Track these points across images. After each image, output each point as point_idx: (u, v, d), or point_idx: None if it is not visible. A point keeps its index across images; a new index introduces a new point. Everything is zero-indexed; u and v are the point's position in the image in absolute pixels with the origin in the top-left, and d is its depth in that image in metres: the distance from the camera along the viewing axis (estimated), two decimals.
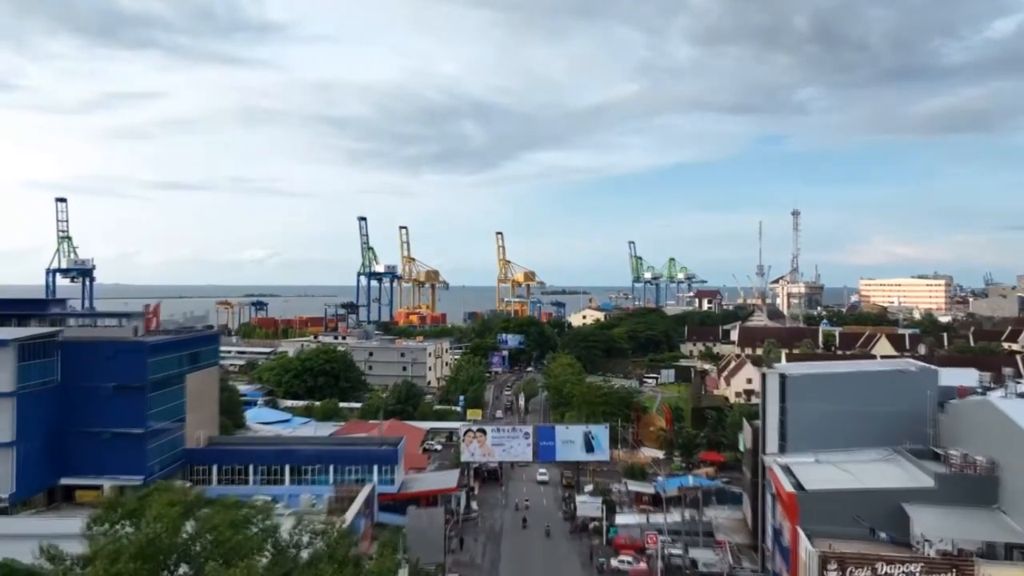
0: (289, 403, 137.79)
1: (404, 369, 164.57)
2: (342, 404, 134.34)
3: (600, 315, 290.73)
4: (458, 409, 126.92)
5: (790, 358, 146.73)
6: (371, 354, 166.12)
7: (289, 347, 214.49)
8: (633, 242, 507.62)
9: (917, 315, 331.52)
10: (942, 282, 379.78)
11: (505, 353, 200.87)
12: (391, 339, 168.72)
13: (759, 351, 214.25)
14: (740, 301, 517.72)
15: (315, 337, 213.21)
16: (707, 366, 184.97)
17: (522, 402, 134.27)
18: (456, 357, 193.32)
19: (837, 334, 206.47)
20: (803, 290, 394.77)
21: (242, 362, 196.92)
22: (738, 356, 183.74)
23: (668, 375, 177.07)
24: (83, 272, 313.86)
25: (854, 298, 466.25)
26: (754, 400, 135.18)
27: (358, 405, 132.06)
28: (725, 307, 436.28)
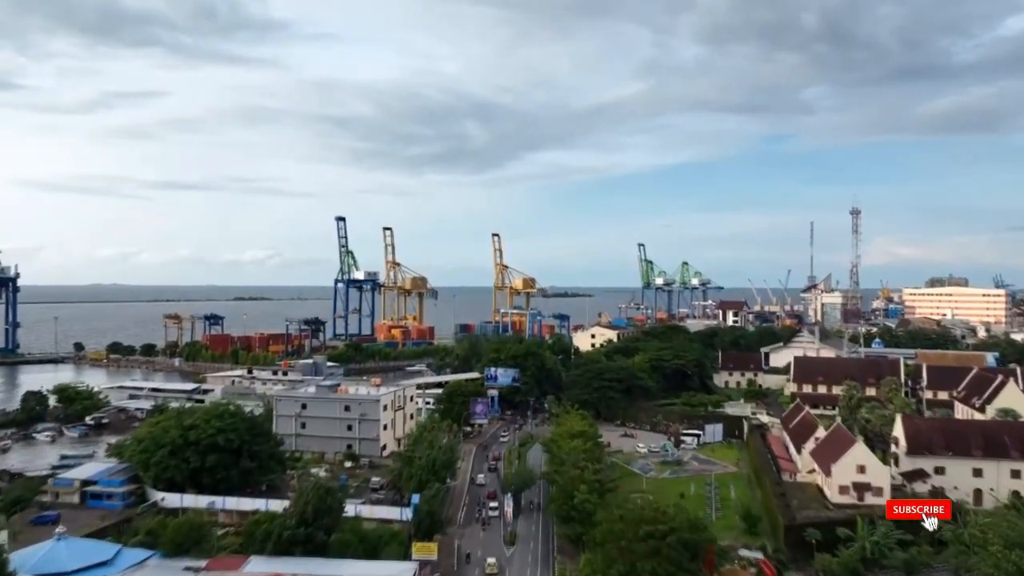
0: (161, 496, 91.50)
1: (349, 428, 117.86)
2: (235, 507, 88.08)
3: (612, 334, 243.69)
4: (406, 518, 79.95)
5: (908, 426, 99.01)
6: (304, 407, 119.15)
7: (216, 384, 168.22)
8: (643, 245, 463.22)
9: (982, 332, 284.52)
10: (1001, 292, 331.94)
11: (495, 394, 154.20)
12: (334, 384, 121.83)
13: (820, 388, 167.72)
14: (758, 308, 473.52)
15: (248, 372, 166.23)
16: (764, 417, 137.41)
17: (509, 506, 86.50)
18: (429, 404, 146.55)
19: (924, 370, 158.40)
20: (839, 299, 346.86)
21: (151, 405, 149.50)
22: (799, 400, 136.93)
23: (714, 432, 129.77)
24: (1, 282, 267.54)
25: (875, 303, 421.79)
26: (871, 499, 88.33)
27: (258, 509, 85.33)
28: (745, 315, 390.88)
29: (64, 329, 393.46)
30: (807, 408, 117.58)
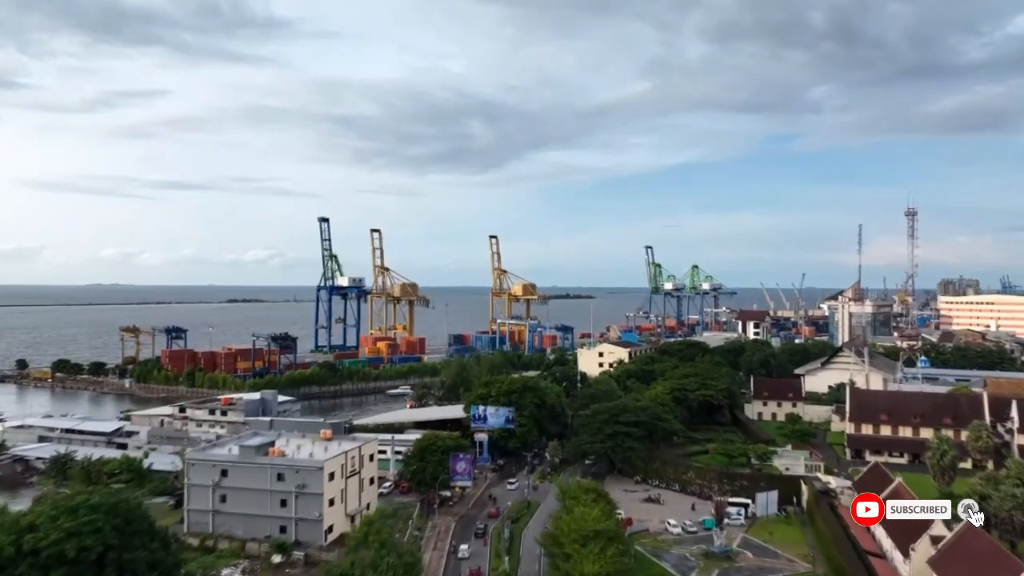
0: None
1: (283, 504, 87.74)
2: None
3: (623, 352, 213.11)
4: None
5: None
6: (224, 474, 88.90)
7: (141, 425, 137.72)
8: (651, 247, 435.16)
9: None
10: None
11: (483, 438, 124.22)
12: (264, 444, 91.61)
13: (882, 429, 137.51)
14: (771, 313, 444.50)
15: (180, 410, 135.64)
16: (829, 478, 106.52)
17: None
18: (399, 454, 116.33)
19: (1016, 407, 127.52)
20: (869, 309, 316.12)
21: (54, 453, 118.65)
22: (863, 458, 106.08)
23: (768, 502, 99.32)
24: None
25: (896, 307, 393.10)
26: None
27: None
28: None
29: (21, 339, 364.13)
30: (899, 479, 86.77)
